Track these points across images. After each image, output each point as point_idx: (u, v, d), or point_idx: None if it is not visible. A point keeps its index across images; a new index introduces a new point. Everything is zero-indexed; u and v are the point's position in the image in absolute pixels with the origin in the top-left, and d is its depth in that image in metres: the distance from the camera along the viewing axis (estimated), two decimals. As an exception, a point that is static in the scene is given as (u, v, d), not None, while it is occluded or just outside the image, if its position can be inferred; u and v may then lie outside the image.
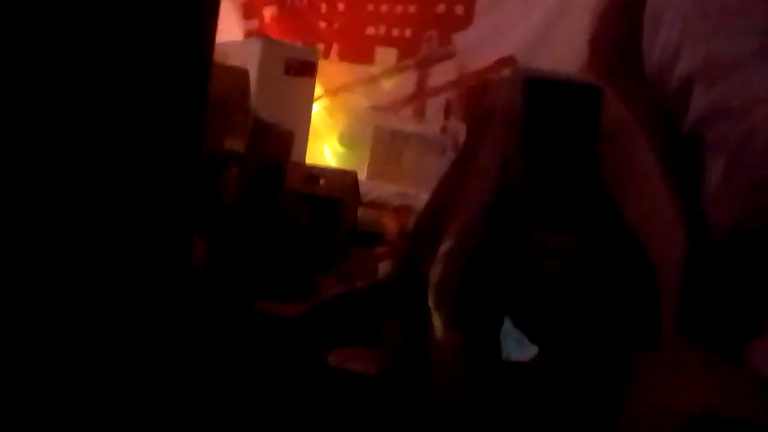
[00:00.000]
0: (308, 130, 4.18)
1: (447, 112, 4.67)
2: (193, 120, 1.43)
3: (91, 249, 1.21)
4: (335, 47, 5.05)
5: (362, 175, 4.49)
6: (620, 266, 0.71)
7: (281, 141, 2.63)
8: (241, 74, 2.47)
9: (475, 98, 0.87)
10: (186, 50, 1.39)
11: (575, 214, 0.71)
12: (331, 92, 4.91)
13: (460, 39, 4.80)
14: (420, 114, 4.87)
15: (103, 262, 1.24)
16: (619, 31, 1.33)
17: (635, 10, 1.28)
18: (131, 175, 1.29)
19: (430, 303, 0.79)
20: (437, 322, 0.80)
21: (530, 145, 0.74)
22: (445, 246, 0.77)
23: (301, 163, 3.58)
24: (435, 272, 0.80)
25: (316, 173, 3.00)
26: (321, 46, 4.92)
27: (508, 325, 0.71)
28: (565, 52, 4.28)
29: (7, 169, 1.14)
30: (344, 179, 3.02)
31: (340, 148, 4.89)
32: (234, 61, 3.71)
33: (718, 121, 1.14)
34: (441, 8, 4.84)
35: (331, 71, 4.85)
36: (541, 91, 0.74)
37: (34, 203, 1.16)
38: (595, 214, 0.71)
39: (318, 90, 4.43)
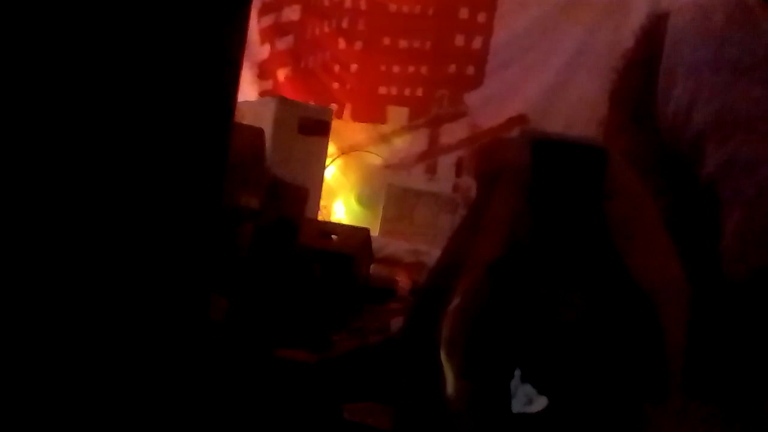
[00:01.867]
0: (321, 187, 4.23)
1: (458, 169, 4.72)
2: (214, 178, 1.47)
3: (114, 304, 1.24)
4: (348, 107, 5.12)
5: (375, 232, 4.54)
6: (628, 319, 0.74)
7: (296, 198, 2.67)
8: (257, 133, 2.52)
9: (486, 157, 0.89)
10: (209, 112, 1.44)
11: (584, 270, 0.74)
12: (345, 151, 4.97)
13: (472, 98, 4.87)
14: (432, 172, 4.91)
15: (125, 314, 1.27)
16: (638, 87, 1.35)
17: (653, 66, 1.31)
18: (155, 231, 1.32)
19: (442, 357, 0.81)
20: (449, 375, 0.82)
21: (538, 204, 0.77)
22: (455, 303, 0.79)
23: (315, 220, 3.62)
24: (445, 327, 0.82)
25: (330, 229, 3.03)
26: (334, 106, 4.99)
27: (517, 377, 0.74)
28: (577, 110, 4.36)
29: (40, 225, 1.18)
30: (357, 236, 3.06)
31: (353, 206, 4.93)
32: (249, 120, 3.78)
33: (732, 175, 1.16)
34: (452, 68, 4.93)
35: (344, 130, 4.92)
36: (548, 152, 0.78)
37: (61, 265, 1.20)
38: (603, 269, 0.74)
39: (331, 149, 4.50)
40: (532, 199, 0.77)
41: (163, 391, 1.31)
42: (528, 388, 0.72)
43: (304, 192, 2.73)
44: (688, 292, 0.79)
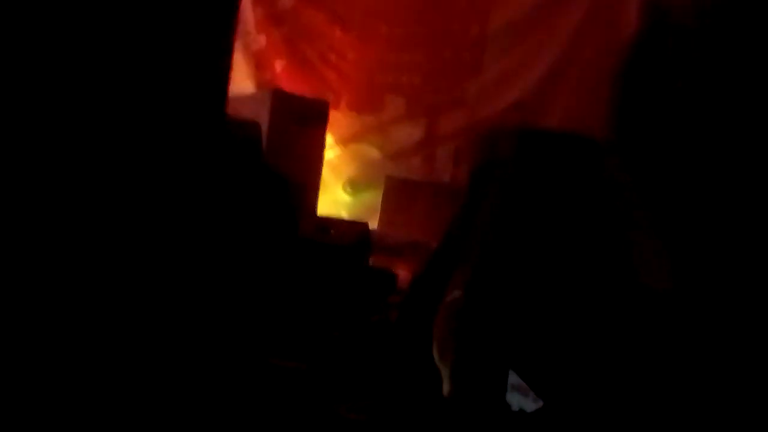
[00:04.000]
0: (319, 179, 4.21)
1: (457, 159, 4.69)
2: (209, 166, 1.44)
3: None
4: (345, 97, 5.09)
5: (374, 224, 4.51)
6: (627, 313, 0.72)
7: (293, 192, 2.64)
8: (254, 127, 2.49)
9: (477, 152, 0.87)
10: (202, 101, 1.41)
11: (579, 265, 0.71)
12: (342, 142, 4.93)
13: (469, 86, 4.82)
14: (430, 162, 4.87)
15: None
16: (639, 78, 1.34)
17: (661, 45, 1.29)
18: (151, 225, 1.30)
19: (435, 357, 0.79)
20: (444, 373, 0.80)
21: (526, 197, 0.75)
22: (451, 296, 0.77)
23: (313, 214, 3.60)
24: (438, 326, 0.80)
25: (327, 224, 3.00)
26: (331, 97, 4.95)
27: (514, 376, 0.71)
28: (574, 94, 4.33)
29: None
30: (355, 229, 3.03)
31: (351, 197, 4.90)
32: (246, 113, 3.75)
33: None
34: (449, 56, 4.88)
35: (341, 121, 4.89)
36: (534, 144, 0.75)
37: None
38: (599, 264, 0.71)
39: (329, 140, 4.46)
40: (520, 191, 0.74)
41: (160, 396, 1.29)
42: (525, 387, 0.70)
43: (301, 187, 2.70)
44: (671, 268, 0.78)
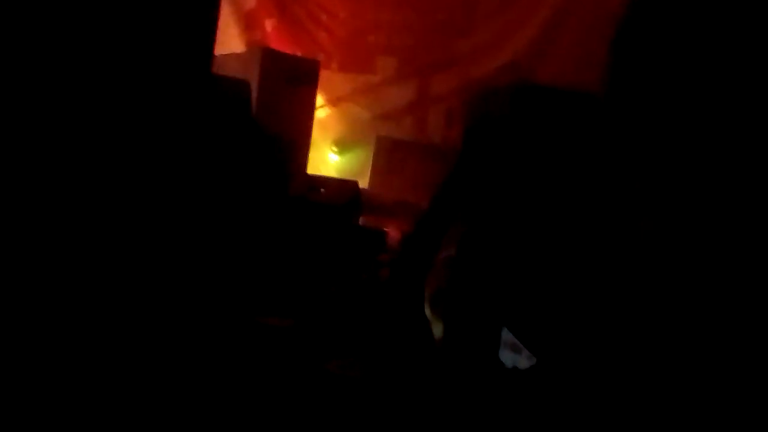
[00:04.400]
0: (309, 138, 4.19)
1: (449, 120, 4.67)
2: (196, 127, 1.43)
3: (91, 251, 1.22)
4: (336, 57, 5.06)
5: (365, 184, 4.51)
6: (624, 271, 0.72)
7: (283, 150, 2.64)
8: (243, 85, 2.47)
9: (476, 106, 0.87)
10: (187, 56, 1.40)
11: (575, 222, 0.71)
12: (333, 102, 4.91)
13: (462, 46, 4.80)
14: (422, 122, 4.86)
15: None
16: (635, 38, 1.33)
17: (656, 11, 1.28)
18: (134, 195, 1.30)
19: (426, 312, 0.79)
20: (436, 329, 0.80)
21: (523, 153, 0.75)
22: (443, 254, 0.77)
23: (303, 173, 3.59)
24: (431, 283, 0.80)
25: (318, 182, 3.01)
26: (322, 56, 4.93)
27: (506, 333, 0.72)
28: (568, 54, 4.31)
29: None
30: (345, 188, 3.03)
31: (341, 157, 4.89)
32: (236, 72, 3.72)
33: None
34: (441, 16, 4.85)
35: (332, 81, 4.87)
36: (531, 99, 0.75)
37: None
38: (596, 222, 0.71)
39: (319, 100, 4.44)
40: (516, 149, 0.74)
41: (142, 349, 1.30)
42: (517, 344, 0.70)
43: (291, 144, 2.69)
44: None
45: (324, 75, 4.51)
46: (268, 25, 5.22)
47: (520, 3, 4.64)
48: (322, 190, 2.90)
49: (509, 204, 0.72)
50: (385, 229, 3.53)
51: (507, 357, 0.71)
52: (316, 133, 4.47)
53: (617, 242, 0.73)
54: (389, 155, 4.62)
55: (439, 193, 0.93)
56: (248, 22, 5.25)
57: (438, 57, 4.84)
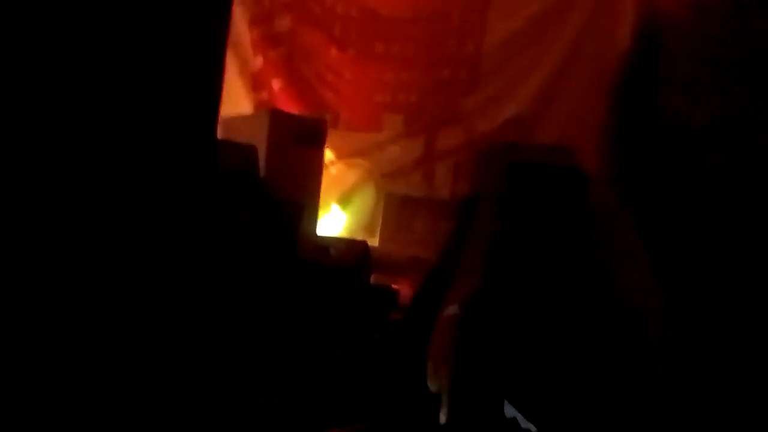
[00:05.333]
0: (318, 198, 4.22)
1: (456, 175, 4.71)
2: (202, 190, 1.45)
3: (109, 312, 1.24)
4: (343, 116, 5.11)
5: (374, 241, 4.53)
6: (613, 334, 0.73)
7: (291, 213, 2.66)
8: (250, 151, 2.51)
9: (475, 173, 0.89)
10: (192, 123, 1.42)
11: (567, 289, 0.73)
12: (340, 160, 4.95)
13: (467, 102, 4.85)
14: (429, 178, 4.89)
15: (119, 323, 1.26)
16: (637, 86, 1.35)
17: (652, 65, 1.30)
18: (140, 244, 1.31)
19: (428, 373, 0.81)
20: (434, 388, 0.81)
21: (516, 224, 0.76)
22: (447, 311, 0.79)
23: (312, 234, 3.61)
24: (434, 342, 0.82)
25: (327, 243, 3.03)
26: (329, 115, 4.98)
27: (507, 405, 0.73)
28: (570, 109, 4.36)
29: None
30: (355, 248, 3.05)
31: (350, 214, 4.91)
32: (245, 134, 3.77)
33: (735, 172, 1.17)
34: (446, 73, 4.91)
35: (339, 139, 4.91)
36: (523, 175, 0.77)
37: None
38: (586, 288, 0.73)
39: (327, 157, 4.48)
40: (509, 220, 0.76)
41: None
42: (516, 415, 0.71)
43: (300, 207, 2.72)
44: (662, 294, 0.79)
45: (331, 133, 4.56)
46: (275, 84, 5.29)
47: (522, 59, 4.70)
48: (331, 251, 2.92)
49: (503, 275, 0.74)
50: (398, 286, 3.54)
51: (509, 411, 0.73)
52: (324, 191, 4.50)
53: (606, 310, 0.74)
54: (398, 212, 4.65)
55: (442, 254, 0.95)
56: (255, 83, 5.32)
57: (444, 113, 4.89)
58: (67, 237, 1.23)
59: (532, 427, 0.73)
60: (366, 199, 4.88)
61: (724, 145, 1.18)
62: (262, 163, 3.47)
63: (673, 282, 0.88)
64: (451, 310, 0.81)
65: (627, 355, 0.73)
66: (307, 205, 3.24)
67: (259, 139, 3.74)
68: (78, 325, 1.24)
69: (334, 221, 4.77)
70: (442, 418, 0.76)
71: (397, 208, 4.66)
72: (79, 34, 1.22)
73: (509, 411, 0.71)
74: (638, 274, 0.78)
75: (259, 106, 5.15)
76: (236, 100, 5.02)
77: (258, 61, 5.32)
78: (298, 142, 4.03)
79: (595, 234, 0.74)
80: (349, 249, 2.98)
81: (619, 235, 0.77)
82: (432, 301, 0.96)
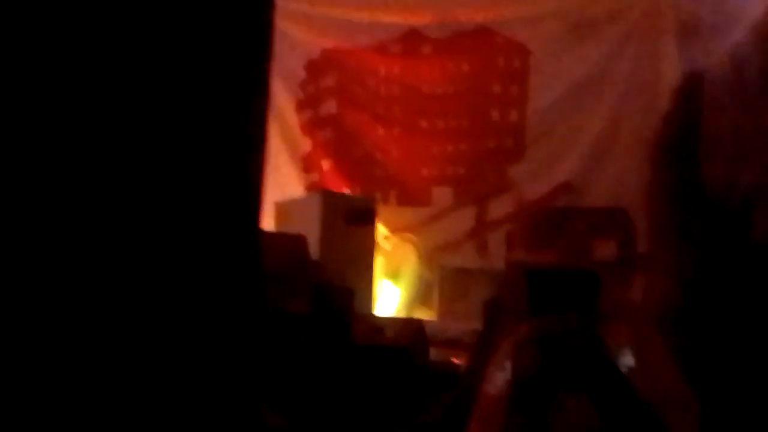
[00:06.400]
0: (372, 277, 4.26)
1: (510, 244, 4.71)
2: (252, 288, 1.47)
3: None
4: (393, 192, 5.17)
5: (432, 315, 4.54)
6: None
7: (343, 299, 2.70)
8: (300, 240, 2.57)
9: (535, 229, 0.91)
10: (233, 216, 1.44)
11: (592, 389, 0.75)
12: (393, 235, 4.99)
13: (515, 171, 4.88)
14: (482, 249, 4.90)
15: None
16: (680, 149, 1.35)
17: (693, 127, 1.30)
18: (199, 351, 1.34)
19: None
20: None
21: (539, 330, 0.79)
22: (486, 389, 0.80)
23: (367, 315, 3.63)
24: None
25: (382, 323, 3.05)
26: (379, 193, 5.05)
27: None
28: (618, 174, 4.35)
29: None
30: (409, 326, 3.06)
31: (406, 291, 4.93)
32: (296, 216, 3.84)
33: None
34: (492, 143, 4.95)
35: (391, 216, 4.96)
36: (542, 281, 0.80)
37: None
38: (609, 387, 0.75)
39: (381, 233, 4.53)
40: (533, 326, 0.79)
41: None
42: None
43: (351, 293, 2.75)
44: (694, 404, 0.80)
45: (382, 210, 4.62)
46: (325, 165, 5.39)
47: (567, 124, 4.72)
48: (386, 331, 2.94)
49: (540, 380, 0.76)
50: (456, 360, 3.53)
51: None
52: (379, 267, 4.55)
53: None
54: (453, 284, 4.66)
55: (469, 367, 0.97)
56: (306, 165, 5.44)
57: (492, 183, 4.91)
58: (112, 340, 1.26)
59: None
60: (421, 274, 4.90)
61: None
62: (315, 244, 3.53)
63: (710, 388, 0.88)
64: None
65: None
66: (360, 287, 3.28)
67: (311, 221, 3.81)
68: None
69: (389, 298, 4.79)
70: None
71: (452, 281, 4.67)
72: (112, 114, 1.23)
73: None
74: (665, 380, 0.80)
75: (310, 188, 5.25)
76: (288, 184, 5.13)
77: (307, 144, 5.45)
78: (350, 222, 4.09)
79: (611, 332, 0.76)
80: (404, 328, 2.99)
81: (635, 333, 0.79)
82: (458, 418, 0.97)
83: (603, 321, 0.77)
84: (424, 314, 4.13)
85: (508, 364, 0.77)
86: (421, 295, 4.85)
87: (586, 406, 0.73)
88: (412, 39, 5.18)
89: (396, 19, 5.18)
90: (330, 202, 4.10)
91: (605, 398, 0.73)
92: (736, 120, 1.25)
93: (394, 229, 5.00)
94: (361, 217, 4.19)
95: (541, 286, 0.79)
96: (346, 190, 5.11)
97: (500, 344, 0.82)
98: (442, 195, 5.05)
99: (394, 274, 4.91)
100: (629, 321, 0.79)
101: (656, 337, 0.81)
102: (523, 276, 0.79)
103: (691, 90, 1.34)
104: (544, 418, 0.72)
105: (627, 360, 0.75)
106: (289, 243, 2.51)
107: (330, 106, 5.41)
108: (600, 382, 0.73)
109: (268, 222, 3.38)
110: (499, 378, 0.78)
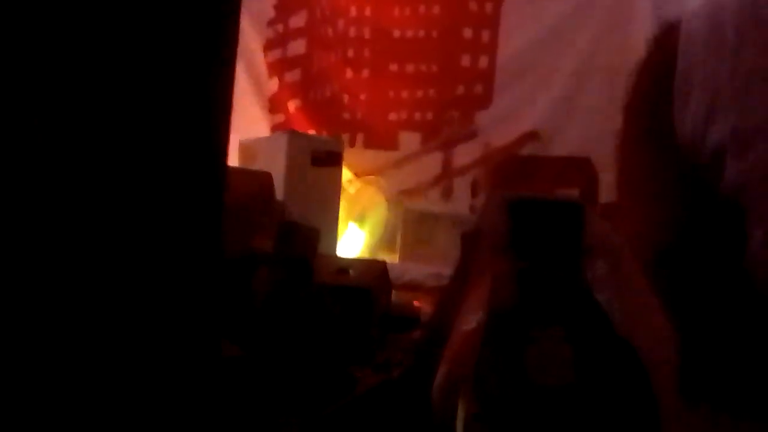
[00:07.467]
0: (337, 218, 4.24)
1: (474, 190, 4.72)
2: (212, 223, 1.46)
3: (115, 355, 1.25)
4: (360, 135, 5.14)
5: (394, 258, 4.54)
6: (616, 372, 0.74)
7: (308, 238, 2.69)
8: (265, 177, 2.54)
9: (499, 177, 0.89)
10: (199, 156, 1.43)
11: (568, 324, 0.74)
12: (358, 178, 4.97)
13: (482, 117, 4.87)
14: (448, 194, 4.91)
15: (127, 365, 1.27)
16: (653, 98, 1.34)
17: (667, 76, 1.29)
18: (154, 281, 1.32)
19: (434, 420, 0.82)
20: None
21: (518, 262, 0.78)
22: (442, 371, 0.79)
23: (331, 256, 3.63)
24: (434, 398, 0.82)
25: (346, 264, 3.04)
26: (346, 136, 5.02)
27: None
28: (589, 122, 4.36)
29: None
30: (373, 268, 3.06)
31: (368, 232, 4.92)
32: (262, 157, 3.80)
33: (754, 184, 1.15)
34: (460, 89, 4.93)
35: (356, 158, 4.93)
36: (524, 212, 0.78)
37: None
38: (586, 322, 0.74)
39: (345, 176, 4.51)
40: (512, 259, 0.77)
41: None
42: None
43: (316, 232, 2.74)
44: (674, 340, 0.79)
45: (349, 153, 4.58)
46: (291, 107, 5.33)
47: (536, 72, 4.71)
48: (350, 272, 2.94)
49: (516, 312, 0.75)
50: (418, 303, 3.55)
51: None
52: (342, 210, 4.53)
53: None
54: (418, 227, 4.67)
55: (441, 301, 0.96)
56: (272, 106, 5.37)
57: (459, 130, 4.90)
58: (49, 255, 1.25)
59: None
60: (385, 217, 4.89)
61: (744, 157, 1.17)
62: (280, 185, 3.51)
63: (690, 327, 0.88)
64: (445, 368, 0.81)
65: (628, 409, 0.74)
66: (324, 228, 3.26)
67: (278, 161, 3.77)
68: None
69: (353, 240, 4.78)
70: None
71: (416, 225, 4.68)
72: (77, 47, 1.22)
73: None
74: (640, 309, 0.79)
75: (276, 128, 5.19)
76: (253, 124, 5.06)
77: (273, 84, 5.37)
78: (316, 163, 4.06)
79: (593, 267, 0.75)
80: (368, 269, 2.99)
81: (618, 269, 0.78)
82: (430, 352, 0.96)
83: (586, 255, 0.75)
84: (387, 257, 4.12)
85: (484, 299, 0.76)
86: (385, 239, 4.85)
87: (561, 341, 0.71)
88: (383, -20, 5.11)
89: (368, -41, 5.10)
90: (296, 142, 4.05)
91: (581, 333, 0.72)
92: (710, 70, 1.24)
93: (361, 172, 4.97)
94: (328, 158, 4.15)
95: (522, 218, 0.77)
96: (313, 132, 5.06)
97: (477, 279, 0.80)
98: (410, 140, 5.03)
99: (359, 217, 4.90)
100: (612, 255, 0.77)
101: (639, 273, 0.80)
102: (505, 207, 0.77)
103: (667, 38, 1.32)
104: (518, 354, 0.71)
105: (607, 295, 0.73)
106: (254, 179, 2.48)
107: (299, 47, 5.33)
108: (577, 317, 0.72)
109: (232, 162, 3.34)
110: (474, 314, 0.77)
